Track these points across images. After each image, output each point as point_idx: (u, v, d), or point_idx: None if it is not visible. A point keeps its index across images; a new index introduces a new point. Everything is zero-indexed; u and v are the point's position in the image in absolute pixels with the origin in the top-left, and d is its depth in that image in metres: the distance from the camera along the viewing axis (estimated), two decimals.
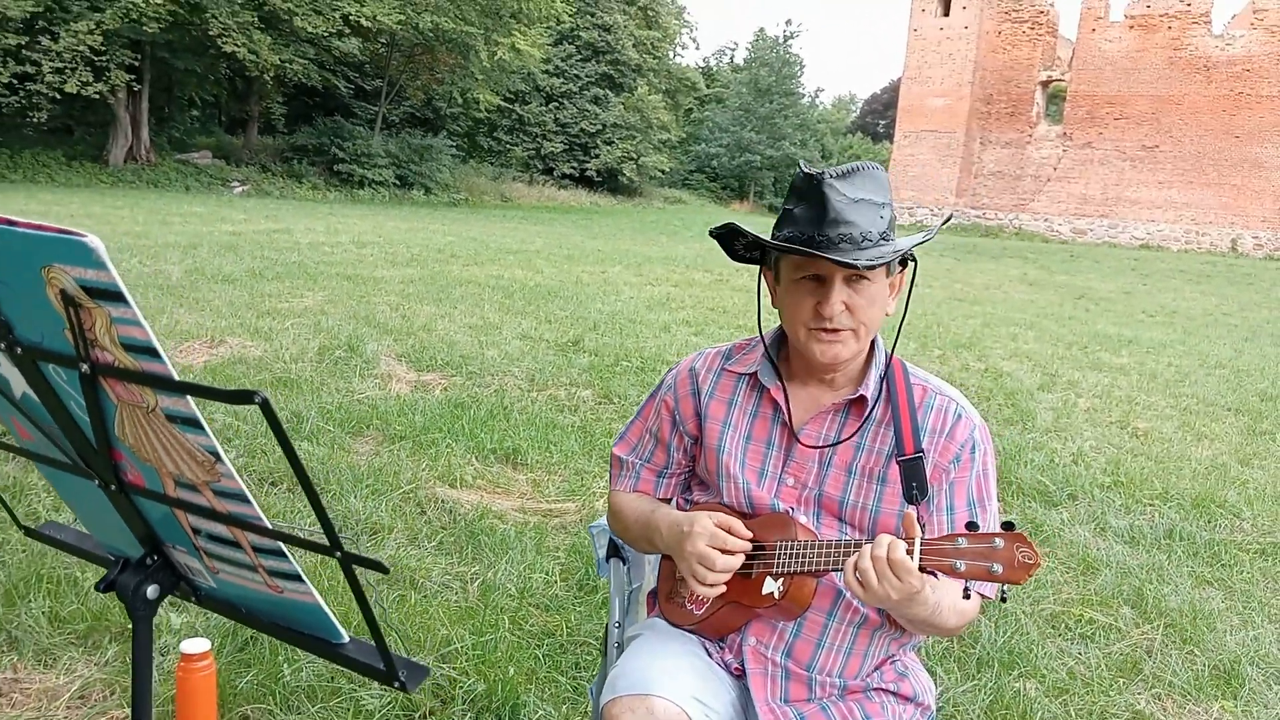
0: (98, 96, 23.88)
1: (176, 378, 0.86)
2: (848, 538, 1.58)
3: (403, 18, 27.14)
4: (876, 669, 1.67)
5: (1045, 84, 38.74)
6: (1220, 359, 9.71)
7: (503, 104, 37.10)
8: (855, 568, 1.40)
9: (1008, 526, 1.32)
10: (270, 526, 0.96)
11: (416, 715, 2.48)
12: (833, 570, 1.49)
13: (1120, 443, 5.92)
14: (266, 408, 0.80)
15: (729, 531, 1.56)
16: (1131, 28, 35.94)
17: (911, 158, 40.02)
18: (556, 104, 41.51)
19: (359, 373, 5.94)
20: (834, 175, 1.49)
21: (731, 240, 1.62)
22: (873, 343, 1.65)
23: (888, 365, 1.65)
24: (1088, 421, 6.43)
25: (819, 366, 1.61)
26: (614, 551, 1.97)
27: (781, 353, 1.71)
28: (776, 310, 1.65)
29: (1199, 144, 35.00)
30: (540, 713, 2.53)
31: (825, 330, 1.54)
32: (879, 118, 70.70)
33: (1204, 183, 35.06)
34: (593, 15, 41.33)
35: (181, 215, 16.85)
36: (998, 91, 38.92)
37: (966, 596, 1.36)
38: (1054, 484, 4.85)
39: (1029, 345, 9.62)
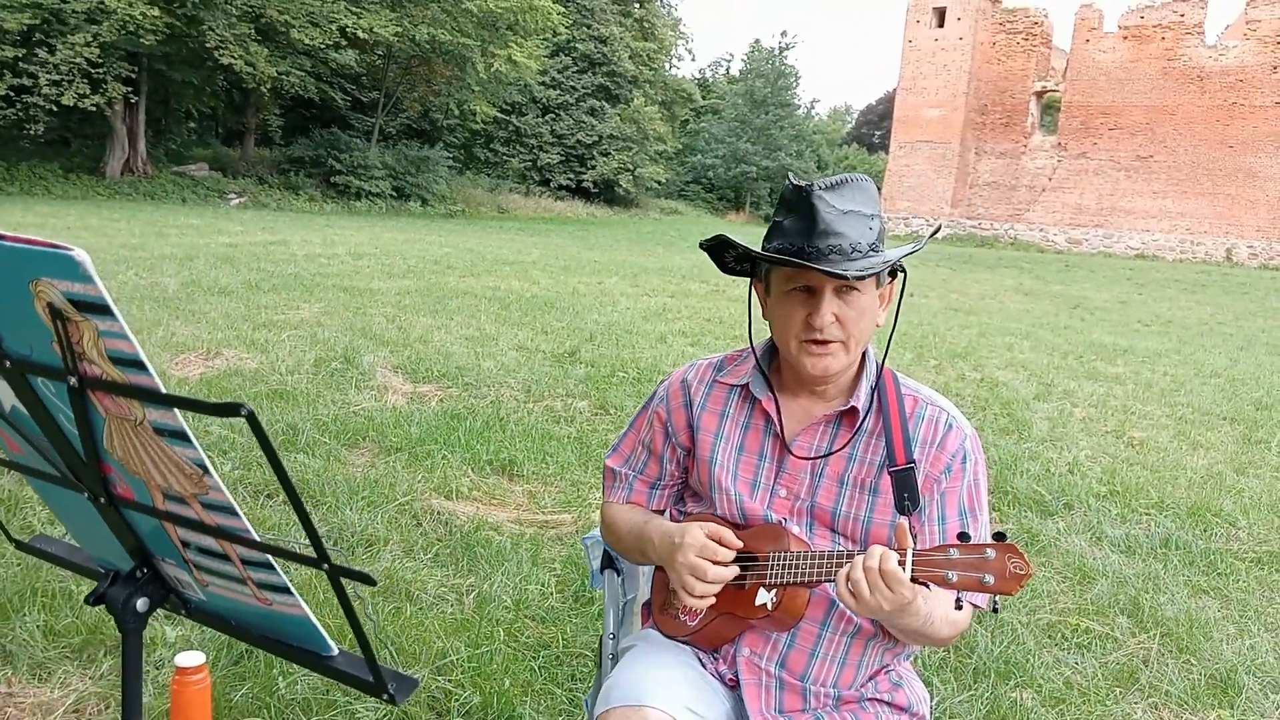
0: (95, 109, 23.90)
1: (163, 391, 0.86)
2: (840, 548, 1.58)
3: (399, 30, 27.22)
4: (871, 679, 1.67)
5: (1040, 94, 38.90)
6: (1215, 368, 9.73)
7: (499, 115, 37.16)
8: (847, 579, 1.40)
9: (999, 537, 1.32)
10: (258, 539, 0.96)
11: None
12: (825, 581, 1.49)
13: (1116, 452, 5.92)
14: (253, 420, 0.80)
15: (720, 542, 1.56)
16: (1125, 38, 36.10)
17: (907, 168, 40.13)
18: (553, 115, 41.61)
19: (355, 384, 5.94)
20: (823, 187, 1.50)
21: (722, 252, 1.62)
22: (864, 354, 1.66)
23: (879, 376, 1.65)
24: (1083, 431, 6.44)
25: (809, 379, 1.61)
26: (608, 563, 1.97)
27: (773, 364, 1.71)
28: (767, 322, 1.65)
29: (1193, 154, 35.13)
30: None
31: (815, 342, 1.55)
32: (874, 128, 70.90)
33: (1198, 192, 35.17)
34: (589, 27, 41.47)
35: (178, 227, 16.85)
36: (992, 102, 39.06)
37: (959, 607, 1.36)
38: (1050, 493, 4.85)
39: (1024, 355, 9.63)
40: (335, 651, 1.10)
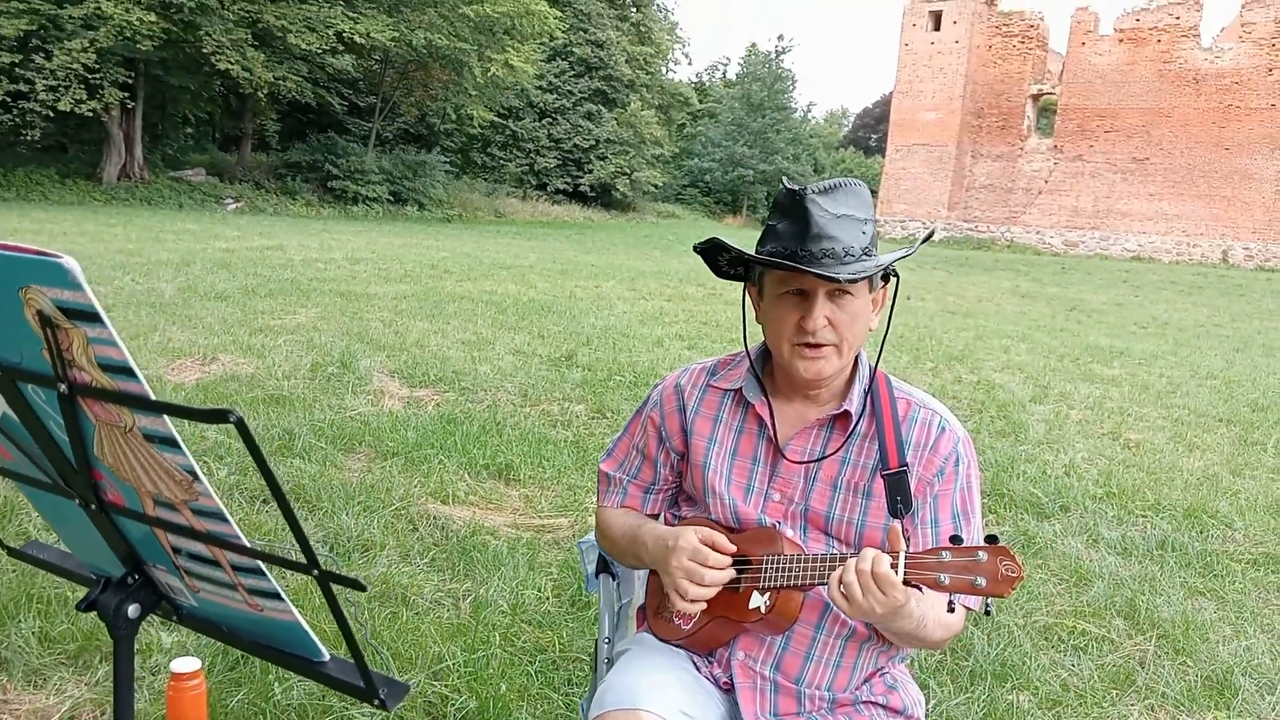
0: (91, 114, 23.89)
1: (153, 397, 0.87)
2: (833, 551, 1.59)
3: (396, 34, 27.24)
4: (865, 682, 1.67)
5: (1036, 97, 38.97)
6: (1212, 370, 9.74)
7: (496, 120, 37.19)
8: (840, 581, 1.40)
9: (991, 540, 1.32)
10: (248, 545, 0.96)
11: None
12: (819, 584, 1.49)
13: (1112, 454, 5.93)
14: (241, 426, 0.80)
15: (713, 546, 1.56)
16: (1121, 41, 36.19)
17: (904, 171, 40.19)
18: (550, 119, 41.65)
19: (351, 389, 5.93)
20: (816, 191, 1.50)
21: (715, 256, 1.63)
22: (857, 358, 1.66)
23: (872, 379, 1.66)
24: (1080, 433, 6.44)
25: (802, 383, 1.62)
26: (603, 567, 1.97)
27: (766, 368, 1.71)
28: (761, 326, 1.65)
29: (1189, 156, 35.20)
30: None
31: (808, 346, 1.55)
32: (871, 131, 71.02)
33: (1194, 195, 35.24)
34: (586, 31, 41.53)
35: (175, 232, 16.85)
36: (989, 105, 39.13)
37: (951, 610, 1.36)
38: (1046, 496, 4.85)
39: (1021, 357, 9.64)
40: (326, 657, 1.10)
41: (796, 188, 1.51)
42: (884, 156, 43.00)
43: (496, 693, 2.62)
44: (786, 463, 1.64)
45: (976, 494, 1.65)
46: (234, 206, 27.14)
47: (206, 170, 29.97)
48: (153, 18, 22.47)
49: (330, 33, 25.91)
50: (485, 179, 40.55)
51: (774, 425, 1.66)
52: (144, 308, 8.13)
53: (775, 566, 1.54)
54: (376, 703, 1.02)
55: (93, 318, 0.84)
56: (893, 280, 1.63)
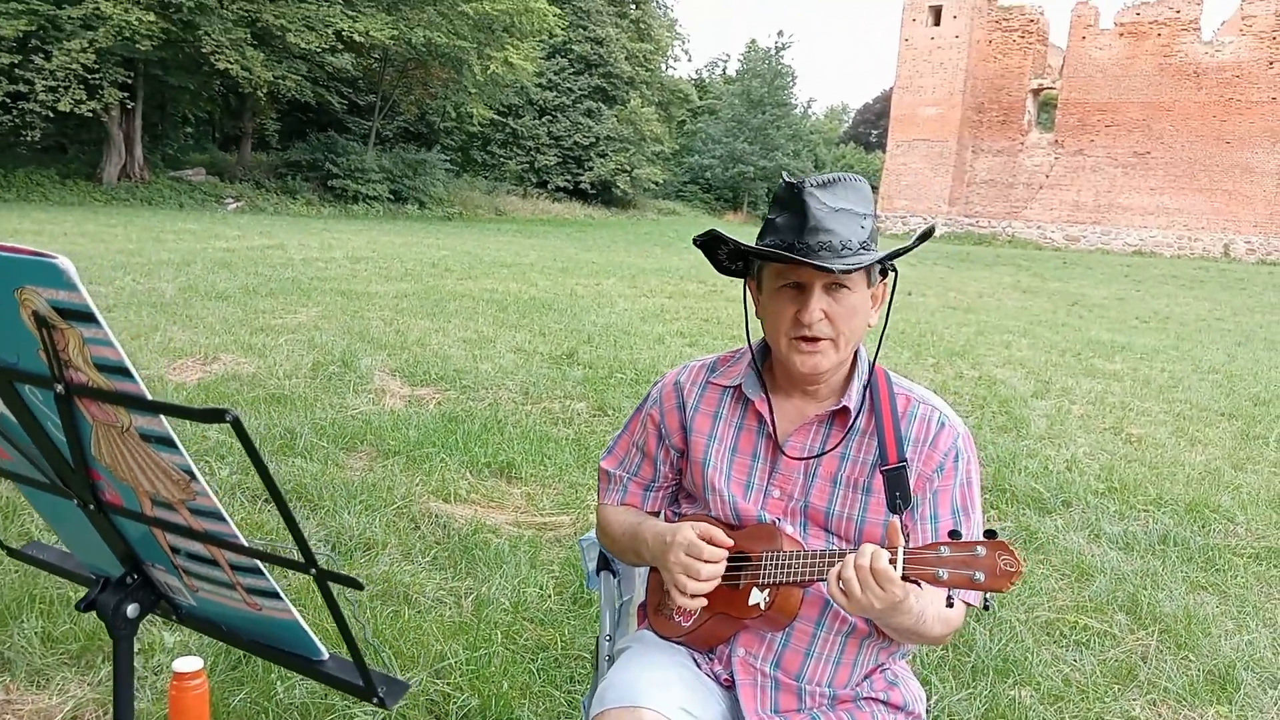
0: (91, 115, 23.88)
1: (149, 397, 0.87)
2: (833, 547, 1.59)
3: (395, 33, 27.21)
4: (866, 678, 1.67)
5: (1036, 92, 38.92)
6: (1213, 364, 9.73)
7: (496, 118, 37.18)
8: (839, 577, 1.40)
9: (990, 535, 1.32)
10: (246, 544, 0.96)
11: None
12: (818, 580, 1.49)
13: (1114, 449, 5.92)
14: (238, 426, 0.80)
15: (711, 542, 1.56)
16: (1121, 35, 36.13)
17: (904, 167, 40.16)
18: (550, 117, 41.62)
19: (353, 388, 5.94)
20: (815, 184, 1.50)
21: (715, 249, 1.63)
22: (856, 353, 1.66)
23: (871, 375, 1.65)
24: (1081, 428, 6.44)
25: (800, 377, 1.62)
26: (604, 564, 1.97)
27: (766, 364, 1.71)
28: (760, 321, 1.65)
29: (1190, 150, 35.15)
30: None
31: (805, 339, 1.55)
32: (871, 127, 70.94)
33: (1195, 189, 35.20)
34: (585, 29, 41.49)
35: (175, 232, 16.85)
36: (989, 100, 39.09)
37: (950, 605, 1.36)
38: (1048, 491, 4.85)
39: (1022, 352, 9.63)
40: (325, 656, 1.10)
41: (795, 181, 1.51)
42: (884, 152, 42.96)
43: (499, 691, 2.63)
44: (786, 459, 1.64)
45: (976, 490, 1.64)
46: (234, 206, 27.15)
47: (206, 170, 29.97)
48: (151, 17, 22.46)
49: (329, 31, 25.89)
50: (485, 177, 40.54)
51: (773, 421, 1.65)
52: (145, 308, 8.14)
53: (774, 563, 1.54)
54: (376, 701, 1.02)
55: (88, 318, 0.84)
56: (891, 275, 1.62)
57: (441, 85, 32.58)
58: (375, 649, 2.78)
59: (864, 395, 1.64)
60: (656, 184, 45.59)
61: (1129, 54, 35.92)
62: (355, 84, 32.83)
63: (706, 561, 1.54)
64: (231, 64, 24.52)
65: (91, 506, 1.07)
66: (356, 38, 26.45)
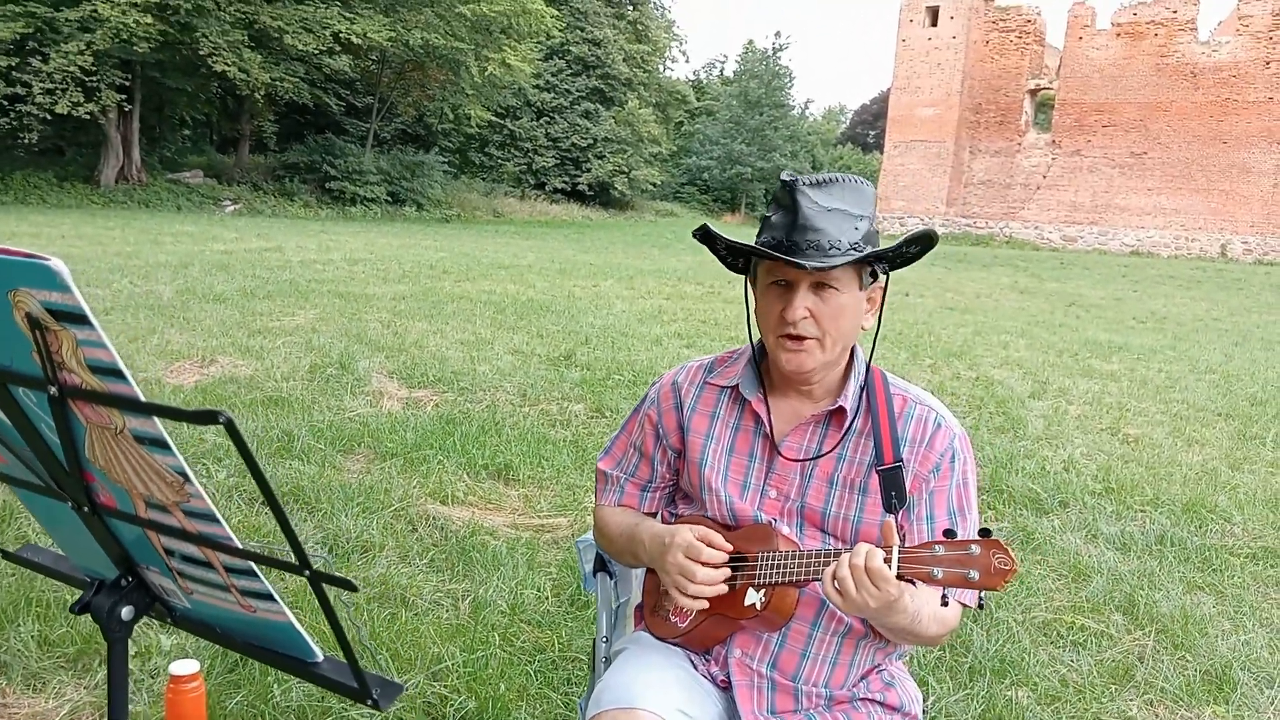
0: (88, 117, 23.86)
1: (142, 399, 0.87)
2: (829, 547, 1.59)
3: (393, 35, 27.21)
4: (863, 679, 1.67)
5: (1033, 92, 38.98)
6: (1210, 364, 9.74)
7: (494, 119, 37.18)
8: (834, 577, 1.40)
9: (984, 534, 1.32)
10: (240, 546, 0.96)
11: None
12: (814, 580, 1.49)
13: (1111, 449, 5.93)
14: (231, 428, 0.80)
15: (708, 544, 1.56)
16: (1118, 35, 36.19)
17: (902, 167, 40.20)
18: (547, 119, 41.63)
19: (350, 390, 5.93)
20: (808, 183, 1.50)
21: (714, 246, 1.63)
22: (852, 354, 1.66)
23: (867, 376, 1.65)
24: (1079, 428, 6.44)
25: (787, 375, 1.62)
26: (601, 566, 1.97)
27: (763, 364, 1.71)
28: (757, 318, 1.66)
29: (1187, 150, 35.21)
30: None
31: (790, 337, 1.55)
32: (869, 128, 71.00)
33: (1192, 189, 35.25)
34: (583, 30, 41.51)
35: (173, 235, 16.84)
36: (986, 100, 39.13)
37: (945, 604, 1.36)
38: (1045, 491, 4.85)
39: (1020, 353, 9.64)
40: (320, 658, 1.10)
41: (789, 179, 1.51)
42: (882, 153, 43.00)
43: (496, 693, 2.62)
44: (782, 460, 1.64)
45: (973, 490, 1.64)
46: (232, 208, 27.13)
47: (204, 172, 29.95)
48: (149, 20, 22.44)
49: (327, 33, 25.89)
50: (483, 179, 40.55)
51: (770, 422, 1.66)
52: (142, 310, 8.13)
53: (770, 563, 1.54)
54: (370, 703, 1.02)
55: (81, 320, 0.84)
56: (882, 278, 1.62)
57: (439, 87, 32.59)
58: (371, 651, 2.78)
59: (860, 396, 1.64)
60: (654, 185, 45.60)
61: (1126, 54, 35.98)
62: (353, 86, 32.82)
63: (704, 564, 1.54)
64: (229, 66, 24.52)
65: (86, 509, 1.07)
66: (354, 39, 26.44)
